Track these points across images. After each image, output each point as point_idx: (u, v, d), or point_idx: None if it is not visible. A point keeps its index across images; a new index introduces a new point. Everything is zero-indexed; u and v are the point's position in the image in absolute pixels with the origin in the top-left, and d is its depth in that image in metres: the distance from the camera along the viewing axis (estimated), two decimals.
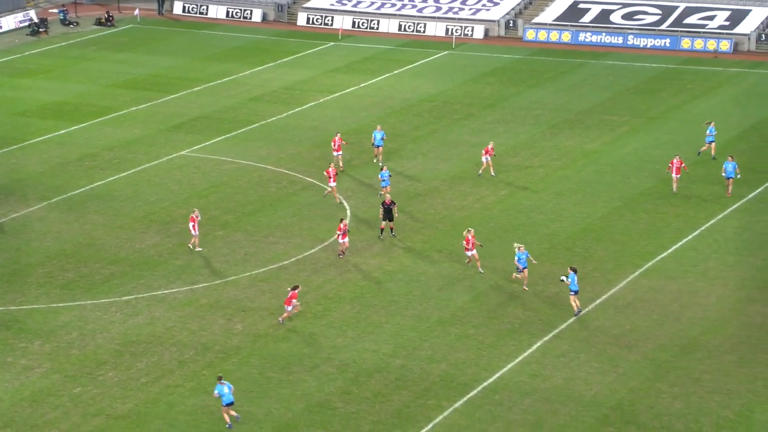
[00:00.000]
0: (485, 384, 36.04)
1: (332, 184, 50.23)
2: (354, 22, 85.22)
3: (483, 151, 54.34)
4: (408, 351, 38.29)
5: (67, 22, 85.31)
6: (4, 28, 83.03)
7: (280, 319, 39.72)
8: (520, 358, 37.57)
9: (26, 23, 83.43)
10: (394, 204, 46.78)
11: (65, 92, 68.21)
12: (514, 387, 35.91)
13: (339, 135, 54.87)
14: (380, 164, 53.93)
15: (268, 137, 60.55)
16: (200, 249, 45.52)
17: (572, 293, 40.05)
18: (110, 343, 38.40)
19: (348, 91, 69.40)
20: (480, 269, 43.31)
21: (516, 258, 41.88)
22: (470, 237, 43.29)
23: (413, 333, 39.50)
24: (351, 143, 59.46)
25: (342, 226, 44.47)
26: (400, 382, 36.37)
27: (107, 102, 66.32)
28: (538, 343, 38.54)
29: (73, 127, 61.52)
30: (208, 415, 34.39)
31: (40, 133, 60.42)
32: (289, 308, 39.50)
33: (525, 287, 41.88)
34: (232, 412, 33.78)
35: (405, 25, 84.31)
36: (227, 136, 60.61)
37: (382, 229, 46.94)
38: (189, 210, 49.91)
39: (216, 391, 33.66)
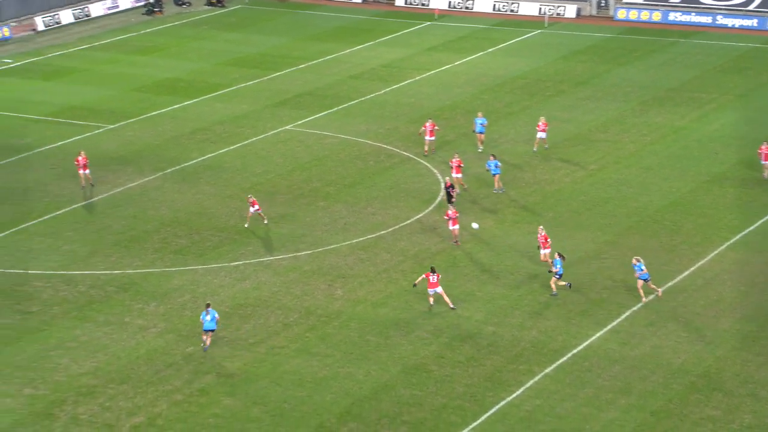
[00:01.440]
0: (575, 351, 35.59)
1: (456, 175, 47.80)
2: (450, 3, 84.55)
3: (537, 127, 53.24)
4: (499, 318, 38.00)
5: (180, 2, 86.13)
6: (121, 8, 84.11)
7: (438, 304, 38.10)
8: (609, 327, 37.00)
9: (142, 3, 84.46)
10: (453, 188, 45.66)
11: (179, 69, 68.98)
12: (603, 354, 35.38)
13: (431, 120, 53.55)
14: (479, 149, 52.56)
15: (367, 113, 60.49)
16: (247, 226, 44.78)
17: (557, 277, 38.65)
18: (220, 306, 38.84)
19: (443, 69, 68.94)
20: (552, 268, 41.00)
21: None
22: (541, 236, 40.93)
23: (504, 301, 39.18)
24: (445, 119, 59.14)
25: (450, 213, 42.97)
26: (492, 347, 36.13)
27: (217, 79, 66.91)
28: (627, 313, 37.90)
29: (185, 103, 62.22)
30: (311, 375, 34.61)
31: (155, 107, 61.24)
32: (434, 291, 38.04)
33: (659, 293, 38.36)
34: (208, 341, 35.26)
35: (499, 5, 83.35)
36: (329, 111, 60.71)
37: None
38: (293, 182, 50.23)
39: (201, 317, 35.35)
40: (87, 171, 48.40)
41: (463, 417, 32.34)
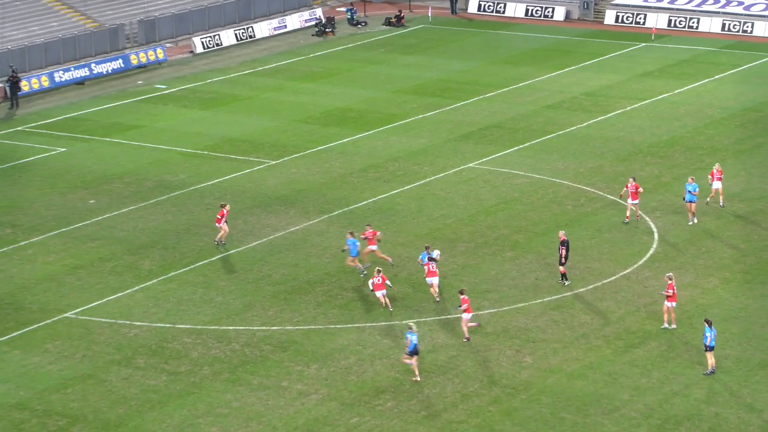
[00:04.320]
0: None
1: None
2: (670, 21, 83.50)
3: (710, 176, 51.28)
4: (724, 397, 36.92)
5: (354, 21, 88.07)
6: (289, 28, 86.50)
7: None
8: None
9: (312, 22, 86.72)
10: (565, 244, 44.06)
11: (350, 98, 70.35)
12: None
13: (633, 179, 49.47)
14: (690, 222, 49.41)
15: (565, 149, 60.17)
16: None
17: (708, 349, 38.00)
18: (390, 370, 39.15)
19: (660, 98, 67.98)
20: (671, 325, 40.79)
21: None
22: (670, 284, 40.52)
23: (729, 377, 38.05)
24: (660, 156, 58.33)
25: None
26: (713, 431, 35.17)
27: (393, 109, 67.89)
28: None
29: (356, 136, 63.34)
30: None
31: (322, 141, 62.57)
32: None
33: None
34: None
35: (729, 25, 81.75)
36: (520, 147, 60.69)
37: (563, 275, 44.61)
38: (476, 228, 50.35)
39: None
40: (224, 224, 48.63)
41: None
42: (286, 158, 60.12)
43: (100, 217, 52.56)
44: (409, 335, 38.38)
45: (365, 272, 45.43)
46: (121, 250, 49.11)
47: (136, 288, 45.53)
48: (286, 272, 46.77)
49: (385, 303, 42.88)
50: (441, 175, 57.06)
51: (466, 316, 40.83)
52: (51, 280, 46.33)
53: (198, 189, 55.83)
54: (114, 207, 53.69)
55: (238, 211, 52.79)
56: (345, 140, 62.64)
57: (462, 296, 40.96)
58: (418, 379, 38.25)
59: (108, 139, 63.41)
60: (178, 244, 49.54)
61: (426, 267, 43.99)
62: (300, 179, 57.11)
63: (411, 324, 38.96)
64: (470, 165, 58.28)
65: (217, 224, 48.91)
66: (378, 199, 54.22)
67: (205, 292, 45.18)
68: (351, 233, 46.13)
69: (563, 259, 44.41)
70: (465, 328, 40.89)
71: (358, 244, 45.59)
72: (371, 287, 42.71)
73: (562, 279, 44.72)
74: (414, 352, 38.23)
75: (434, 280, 43.82)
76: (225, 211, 48.71)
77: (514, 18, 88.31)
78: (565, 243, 44.52)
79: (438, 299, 43.66)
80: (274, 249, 49.01)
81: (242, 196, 54.63)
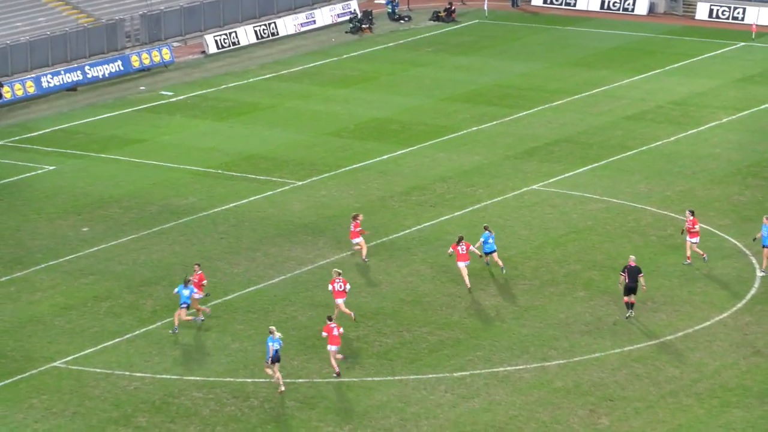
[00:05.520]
0: None
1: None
2: None
3: None
4: None
5: (396, 16, 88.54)
6: (319, 23, 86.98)
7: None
8: None
9: (346, 17, 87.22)
10: (627, 270, 44.72)
11: (390, 106, 70.55)
12: None
13: (691, 214, 49.29)
14: (760, 273, 48.47)
15: (649, 168, 60.14)
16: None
17: None
18: None
19: (762, 107, 67.87)
20: None
21: None
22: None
23: None
24: (764, 179, 58.09)
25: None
26: None
27: (442, 120, 68.03)
28: None
29: (398, 152, 63.52)
30: None
31: (357, 158, 62.77)
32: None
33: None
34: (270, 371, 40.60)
35: None
36: (594, 165, 60.70)
37: (627, 304, 45.14)
38: (541, 262, 50.38)
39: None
40: (360, 239, 50.49)
41: None
42: (314, 178, 60.35)
43: (94, 248, 52.94)
44: (270, 342, 40.63)
45: (203, 319, 46.02)
46: (119, 287, 49.41)
47: (137, 332, 45.79)
48: (315, 314, 46.89)
49: (339, 312, 44.88)
50: (499, 198, 57.13)
51: (331, 348, 41.84)
52: (37, 323, 46.65)
53: (210, 215, 56.14)
54: (111, 236, 54.07)
55: (257, 241, 53.08)
56: (384, 157, 62.83)
57: (328, 323, 42.10)
58: (282, 389, 40.64)
59: (104, 156, 63.90)
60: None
61: (455, 249, 46.44)
62: (331, 203, 57.32)
63: (272, 328, 40.88)
64: (534, 187, 58.32)
65: (352, 239, 50.43)
66: (423, 227, 54.33)
67: (219, 337, 45.38)
68: (187, 281, 45.44)
69: (627, 289, 44.89)
70: (333, 362, 41.92)
71: (195, 292, 45.43)
72: (331, 291, 45.21)
73: (629, 311, 45.40)
74: (275, 360, 40.66)
75: (466, 264, 47.05)
76: (358, 222, 50.31)
77: (587, 12, 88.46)
78: (627, 269, 44.87)
79: (469, 286, 46.80)
80: (301, 286, 49.17)
81: (263, 223, 54.88)
